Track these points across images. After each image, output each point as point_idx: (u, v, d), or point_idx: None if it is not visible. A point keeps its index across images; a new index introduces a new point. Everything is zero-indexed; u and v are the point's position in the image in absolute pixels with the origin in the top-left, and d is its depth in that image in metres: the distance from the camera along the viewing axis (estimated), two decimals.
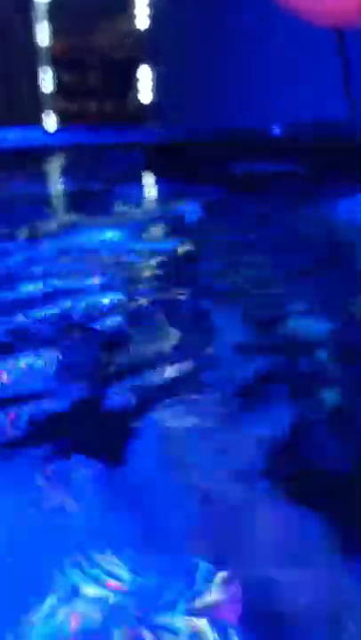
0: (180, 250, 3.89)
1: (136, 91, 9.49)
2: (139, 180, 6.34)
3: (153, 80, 9.18)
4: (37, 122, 10.11)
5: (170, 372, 2.23)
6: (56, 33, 10.23)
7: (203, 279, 3.38)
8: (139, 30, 9.22)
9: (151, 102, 9.23)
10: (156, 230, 4.59)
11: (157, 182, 6.33)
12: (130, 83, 9.60)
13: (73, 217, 5.15)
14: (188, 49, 7.79)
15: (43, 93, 10.34)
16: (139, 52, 9.29)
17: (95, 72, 10.29)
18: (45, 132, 9.81)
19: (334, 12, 6.29)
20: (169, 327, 2.68)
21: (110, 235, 4.28)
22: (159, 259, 3.68)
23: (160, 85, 8.74)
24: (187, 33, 7.83)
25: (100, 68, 10.18)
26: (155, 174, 6.50)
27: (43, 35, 10.21)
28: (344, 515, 1.42)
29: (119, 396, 2.05)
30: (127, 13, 9.32)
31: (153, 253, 3.80)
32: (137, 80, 9.43)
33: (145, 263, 3.64)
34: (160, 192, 6.04)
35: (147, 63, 9.17)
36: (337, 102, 6.33)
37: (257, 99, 6.97)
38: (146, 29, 9.01)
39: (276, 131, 6.39)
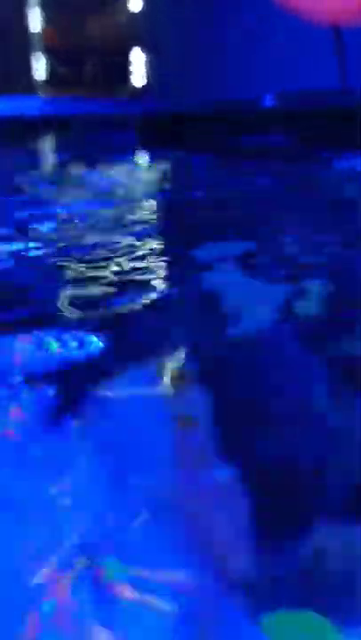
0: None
1: (129, 75, 9.50)
2: (131, 153, 6.35)
3: (146, 63, 9.19)
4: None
5: None
6: (48, 19, 10.23)
7: None
8: (132, 13, 9.23)
9: (144, 85, 9.24)
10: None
11: (152, 156, 6.33)
12: (124, 68, 9.60)
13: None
14: (179, 23, 7.83)
15: (35, 80, 10.33)
16: (132, 35, 9.30)
17: (88, 59, 10.28)
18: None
19: (334, 12, 6.34)
20: None
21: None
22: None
23: (153, 66, 8.75)
24: (178, 9, 7.86)
25: (94, 54, 10.18)
26: (148, 148, 6.50)
27: (34, 20, 10.21)
28: None
29: None
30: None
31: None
32: (130, 64, 9.44)
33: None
34: (154, 163, 6.05)
35: (140, 46, 9.18)
36: (328, 71, 6.37)
37: (247, 70, 7.00)
38: (139, 11, 9.02)
39: (269, 101, 6.41)
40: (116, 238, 3.20)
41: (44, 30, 10.31)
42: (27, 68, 10.33)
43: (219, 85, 7.19)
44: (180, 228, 3.57)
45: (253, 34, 6.84)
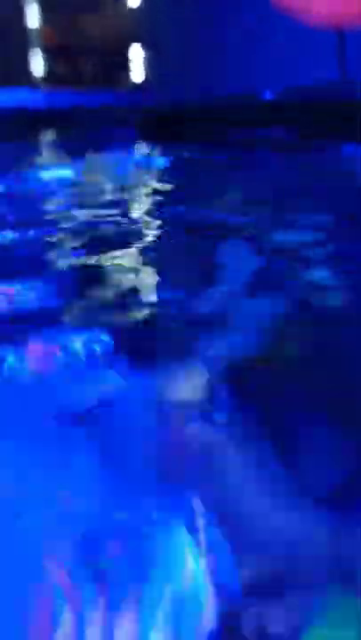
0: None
1: (128, 72, 9.51)
2: (131, 146, 6.35)
3: (145, 60, 9.20)
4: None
5: None
6: (45, 17, 10.24)
7: None
8: (131, 9, 9.25)
9: (143, 82, 9.25)
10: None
11: (152, 149, 6.33)
12: (122, 66, 9.62)
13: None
14: (178, 19, 7.84)
15: (34, 77, 10.35)
16: (131, 32, 9.31)
17: (86, 57, 10.29)
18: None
19: (332, 15, 6.35)
20: None
21: None
22: None
23: (152, 62, 8.76)
24: (177, 4, 7.88)
25: (92, 52, 10.19)
26: (149, 142, 6.50)
27: (32, 17, 10.22)
28: None
29: None
30: None
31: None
32: (129, 61, 9.45)
33: None
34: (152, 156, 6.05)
35: (139, 42, 9.19)
36: (328, 65, 6.38)
37: (247, 64, 7.00)
38: (138, 7, 9.04)
39: (269, 95, 6.40)
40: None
41: (41, 29, 10.33)
42: (25, 66, 10.34)
43: (218, 80, 7.19)
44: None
45: (253, 28, 6.85)
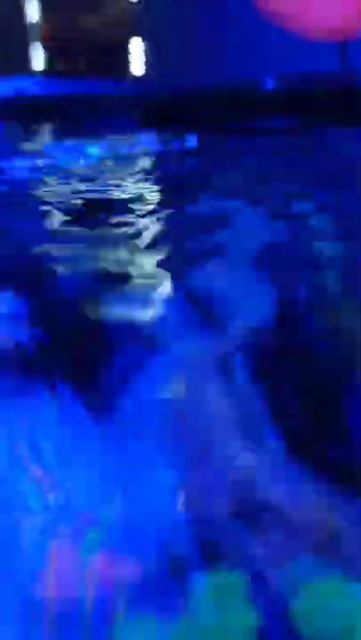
0: None
1: (129, 66, 9.48)
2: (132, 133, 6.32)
3: (145, 53, 9.17)
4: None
5: None
6: (45, 11, 10.20)
7: None
8: (130, 2, 9.22)
9: (144, 75, 9.22)
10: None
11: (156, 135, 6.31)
12: (122, 60, 9.58)
13: None
14: (179, 10, 7.82)
15: (33, 70, 10.30)
16: (131, 25, 9.27)
17: (86, 51, 10.25)
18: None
19: (331, 25, 6.33)
20: None
21: None
22: None
23: (152, 55, 8.73)
24: None
25: (92, 47, 10.15)
26: (148, 130, 6.47)
27: (32, 11, 10.18)
28: None
29: None
30: None
31: None
32: (129, 54, 9.41)
33: None
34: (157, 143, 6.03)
35: (139, 36, 9.16)
36: (329, 52, 6.35)
37: (248, 53, 6.98)
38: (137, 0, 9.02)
39: (270, 84, 6.38)
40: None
41: (41, 23, 10.28)
42: (25, 60, 10.31)
43: (219, 70, 7.17)
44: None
45: (254, 17, 6.82)
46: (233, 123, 6.23)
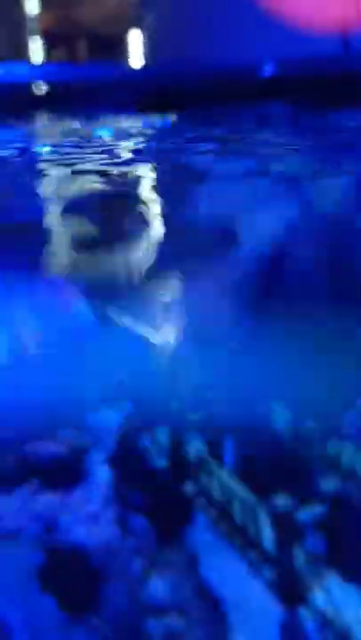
0: None
1: (127, 57, 9.44)
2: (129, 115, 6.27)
3: (144, 43, 9.14)
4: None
5: None
6: (44, 3, 10.16)
7: None
8: None
9: (142, 67, 9.18)
10: None
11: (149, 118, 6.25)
12: (121, 50, 9.55)
13: None
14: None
15: (31, 62, 10.26)
16: (129, 15, 9.24)
17: (84, 43, 10.22)
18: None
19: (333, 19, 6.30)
20: None
21: None
22: None
23: (151, 44, 8.70)
24: None
25: (90, 37, 10.11)
26: (146, 113, 6.42)
27: (32, 4, 10.14)
28: None
29: None
30: None
31: None
32: (127, 45, 9.38)
33: None
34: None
35: (137, 26, 9.13)
36: (329, 38, 6.31)
37: (246, 39, 6.93)
38: None
39: (268, 70, 6.33)
40: None
41: (40, 14, 10.25)
42: (24, 52, 10.26)
43: (218, 56, 7.13)
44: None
45: (253, 3, 6.79)
46: (230, 109, 6.19)
